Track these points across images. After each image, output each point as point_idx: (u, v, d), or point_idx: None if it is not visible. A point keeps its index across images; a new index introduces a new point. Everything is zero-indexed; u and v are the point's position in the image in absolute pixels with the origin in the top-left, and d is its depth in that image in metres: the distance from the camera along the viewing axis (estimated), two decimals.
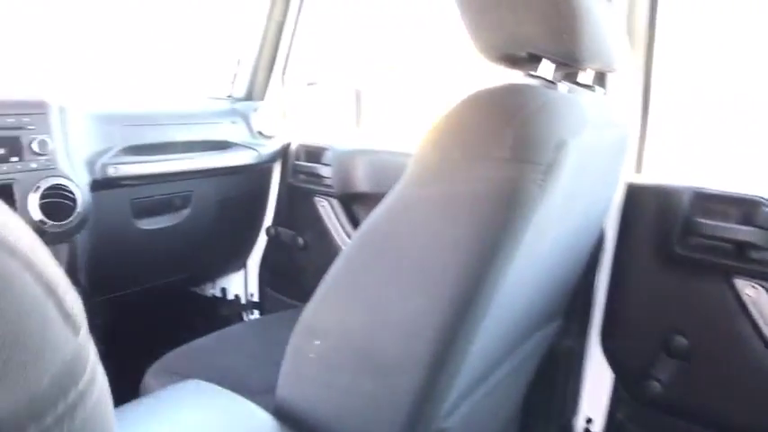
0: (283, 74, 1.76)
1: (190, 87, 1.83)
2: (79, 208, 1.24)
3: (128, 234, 1.49)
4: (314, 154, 1.65)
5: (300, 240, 1.72)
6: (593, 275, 1.22)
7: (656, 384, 1.13)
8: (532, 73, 0.73)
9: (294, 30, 1.70)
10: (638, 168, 1.21)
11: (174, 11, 2.14)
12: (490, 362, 0.89)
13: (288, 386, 0.86)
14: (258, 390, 1.16)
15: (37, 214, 1.18)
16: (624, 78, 1.14)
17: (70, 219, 1.22)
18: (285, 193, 1.76)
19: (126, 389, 1.20)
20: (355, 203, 1.60)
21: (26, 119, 1.19)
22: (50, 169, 1.21)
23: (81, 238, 1.32)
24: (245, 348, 1.35)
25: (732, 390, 1.06)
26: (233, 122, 1.64)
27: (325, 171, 1.60)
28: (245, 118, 1.67)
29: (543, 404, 1.34)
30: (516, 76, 0.77)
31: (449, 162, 0.64)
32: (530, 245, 0.66)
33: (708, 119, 1.83)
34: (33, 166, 1.19)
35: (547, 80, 0.73)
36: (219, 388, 0.92)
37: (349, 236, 1.58)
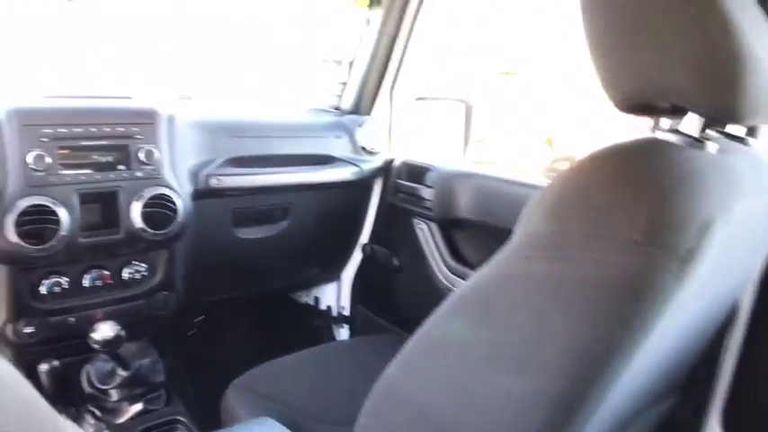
0: (392, 88, 1.70)
1: (298, 98, 1.83)
2: (180, 218, 1.25)
3: (226, 242, 1.51)
4: (416, 173, 1.58)
5: (395, 261, 1.66)
6: (720, 346, 1.06)
7: None
8: (676, 128, 0.61)
9: (406, 44, 1.64)
10: None
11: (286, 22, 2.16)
12: None
13: (367, 428, 0.80)
14: (337, 420, 1.12)
15: (138, 222, 1.20)
16: None
17: (170, 228, 1.25)
18: (384, 212, 1.71)
19: (213, 394, 1.22)
20: (455, 230, 1.51)
21: (135, 128, 1.22)
22: (155, 179, 1.23)
23: (180, 244, 1.34)
24: (330, 372, 1.32)
25: None
26: (337, 137, 1.61)
27: (426, 193, 1.52)
28: (350, 132, 1.63)
29: None
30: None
31: (564, 235, 0.54)
32: (653, 339, 0.55)
33: None
34: (139, 174, 1.22)
35: (693, 138, 0.60)
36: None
37: (446, 262, 1.49)
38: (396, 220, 1.65)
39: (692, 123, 0.61)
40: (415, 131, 1.77)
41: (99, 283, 1.26)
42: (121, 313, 1.30)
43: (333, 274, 1.89)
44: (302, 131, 1.57)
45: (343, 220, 1.75)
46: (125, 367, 1.22)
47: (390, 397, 0.74)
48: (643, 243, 0.50)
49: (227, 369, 1.29)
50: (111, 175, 1.19)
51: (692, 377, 1.04)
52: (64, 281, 1.21)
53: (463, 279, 1.44)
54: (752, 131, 0.97)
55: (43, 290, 1.19)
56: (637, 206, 0.51)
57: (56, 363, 1.28)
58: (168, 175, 1.25)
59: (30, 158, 1.09)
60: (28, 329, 1.20)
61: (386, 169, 1.68)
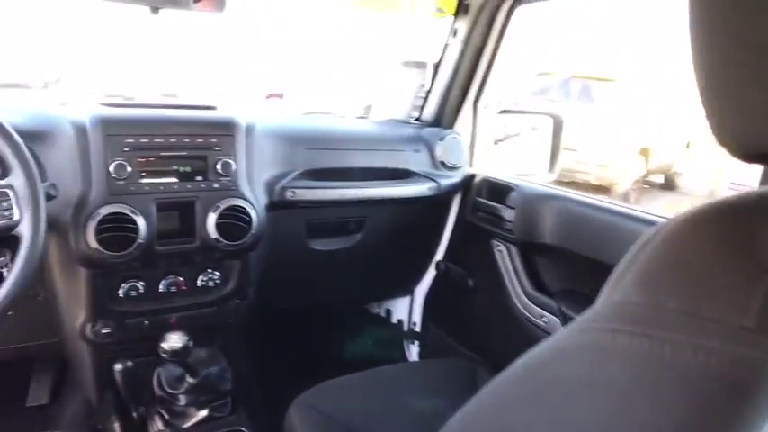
0: (476, 101, 1.63)
1: (378, 108, 1.80)
2: (253, 230, 1.25)
3: (300, 253, 1.50)
4: (497, 192, 1.50)
5: (470, 282, 1.59)
6: None
7: None
8: None
9: (493, 55, 1.56)
10: None
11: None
12: None
13: None
14: None
15: (213, 233, 1.21)
16: None
17: (244, 240, 1.25)
18: (461, 230, 1.65)
19: (279, 404, 1.21)
20: (537, 255, 1.42)
21: (213, 140, 1.23)
22: (231, 190, 1.23)
23: (254, 254, 1.34)
24: (397, 395, 1.28)
25: None
26: (416, 150, 1.55)
27: (507, 214, 1.44)
28: (430, 146, 1.57)
29: None
30: None
31: (657, 310, 0.45)
32: None
33: None
34: (216, 186, 1.22)
35: None
36: None
37: (524, 289, 1.40)
38: (473, 239, 1.58)
39: None
40: (498, 146, 1.68)
41: (174, 289, 1.28)
42: (193, 319, 1.32)
43: (406, 288, 1.84)
44: (380, 144, 1.53)
45: (418, 235, 1.69)
46: (193, 374, 1.23)
47: None
48: (755, 331, 0.41)
49: (295, 378, 1.28)
50: (189, 185, 1.20)
51: None
52: (140, 285, 1.24)
53: (542, 308, 1.34)
54: None
55: (121, 293, 1.22)
56: (749, 286, 0.42)
57: (129, 363, 1.31)
58: (244, 186, 1.25)
59: (112, 167, 1.11)
60: (105, 330, 1.23)
61: (465, 185, 1.61)
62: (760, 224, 0.45)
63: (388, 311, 1.95)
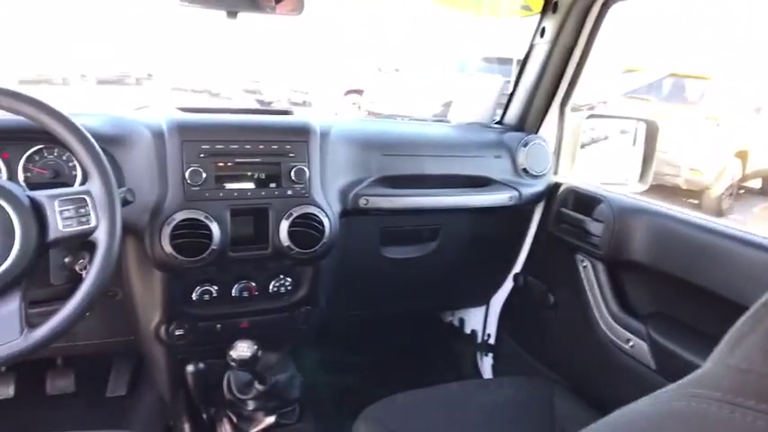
0: (563, 104, 1.52)
1: (457, 106, 1.71)
2: (326, 238, 1.22)
3: (373, 260, 1.47)
4: (584, 203, 1.40)
5: (551, 298, 1.50)
6: None
7: None
8: None
9: (583, 56, 1.45)
10: None
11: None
12: None
13: None
14: None
15: (285, 240, 1.19)
16: None
17: (316, 248, 1.22)
18: (542, 241, 1.55)
19: (347, 413, 1.19)
20: (626, 273, 1.31)
21: (288, 146, 1.20)
22: (304, 197, 1.21)
23: (326, 261, 1.32)
24: (467, 413, 1.22)
25: None
26: (497, 156, 1.47)
27: (594, 227, 1.33)
28: (512, 152, 1.49)
29: None
30: None
31: None
32: None
33: None
34: (289, 193, 1.20)
35: None
36: None
37: (610, 310, 1.30)
38: (555, 252, 1.48)
39: None
40: (584, 149, 1.57)
41: (246, 293, 1.27)
42: (264, 324, 1.31)
43: (481, 298, 1.77)
44: (458, 150, 1.46)
45: (496, 245, 1.61)
46: (261, 381, 1.23)
47: None
48: None
49: (364, 388, 1.24)
50: (263, 192, 1.18)
51: None
52: (214, 289, 1.24)
53: (628, 331, 1.24)
54: None
55: (194, 296, 1.23)
56: None
57: (201, 365, 1.33)
58: (317, 194, 1.23)
59: (187, 173, 1.11)
60: (178, 332, 1.25)
61: (549, 195, 1.51)
62: None
63: (462, 321, 1.89)
